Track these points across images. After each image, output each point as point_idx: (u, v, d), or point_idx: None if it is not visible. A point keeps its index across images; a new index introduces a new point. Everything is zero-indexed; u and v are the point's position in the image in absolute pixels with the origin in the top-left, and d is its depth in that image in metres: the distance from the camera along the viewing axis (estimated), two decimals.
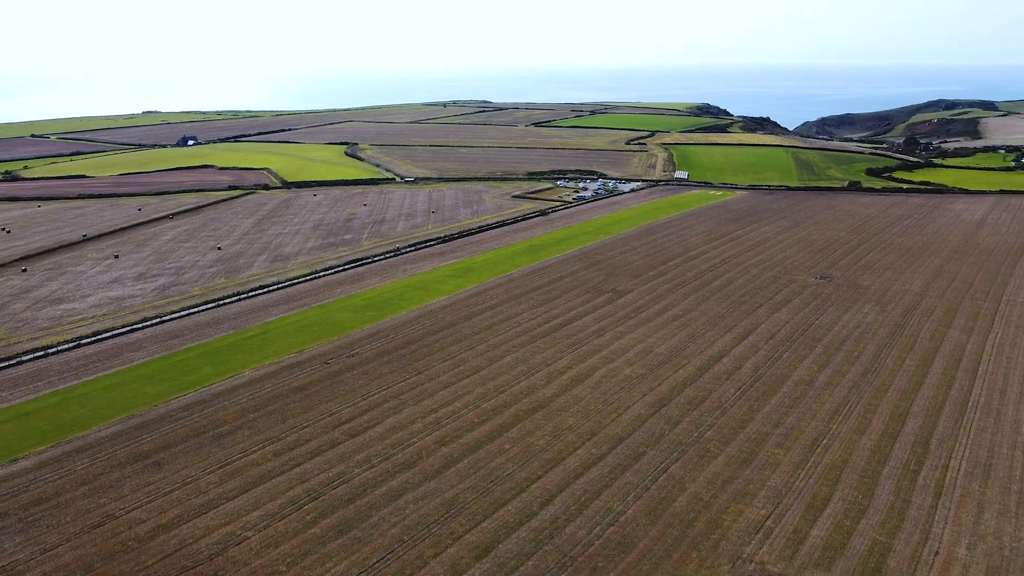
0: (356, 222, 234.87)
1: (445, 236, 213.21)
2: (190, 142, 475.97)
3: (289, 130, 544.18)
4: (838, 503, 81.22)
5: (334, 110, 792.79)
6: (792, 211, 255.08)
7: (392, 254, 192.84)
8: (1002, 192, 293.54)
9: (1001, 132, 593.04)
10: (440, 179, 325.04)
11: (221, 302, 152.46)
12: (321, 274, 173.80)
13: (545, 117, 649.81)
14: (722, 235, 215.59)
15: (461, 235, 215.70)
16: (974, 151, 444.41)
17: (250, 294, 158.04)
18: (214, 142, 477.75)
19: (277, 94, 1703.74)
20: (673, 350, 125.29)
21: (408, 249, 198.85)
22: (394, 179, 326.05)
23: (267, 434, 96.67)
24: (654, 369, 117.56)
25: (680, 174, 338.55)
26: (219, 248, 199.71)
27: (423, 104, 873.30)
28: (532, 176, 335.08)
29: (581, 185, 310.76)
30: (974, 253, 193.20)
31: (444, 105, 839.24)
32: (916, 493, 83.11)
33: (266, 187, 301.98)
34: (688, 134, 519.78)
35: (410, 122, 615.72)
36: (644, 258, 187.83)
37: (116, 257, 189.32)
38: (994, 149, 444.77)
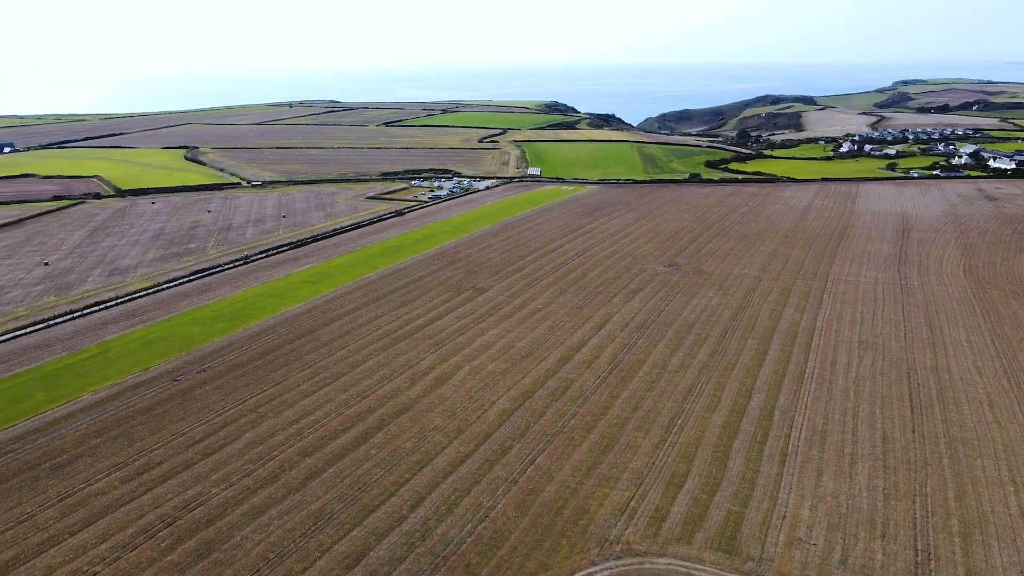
0: (201, 230, 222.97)
1: (298, 241, 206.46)
2: (6, 149, 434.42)
3: (121, 134, 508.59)
4: (695, 479, 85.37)
5: (171, 112, 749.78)
6: (639, 203, 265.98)
7: (241, 262, 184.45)
8: (824, 180, 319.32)
9: (820, 125, 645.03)
10: (290, 182, 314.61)
11: (52, 322, 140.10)
12: (165, 287, 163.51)
13: (396, 117, 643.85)
14: (576, 229, 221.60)
15: (315, 239, 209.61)
16: (798, 142, 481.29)
17: (85, 312, 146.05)
18: (35, 148, 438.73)
19: (120, 97, 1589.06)
20: (534, 343, 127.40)
21: (259, 256, 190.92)
22: (240, 183, 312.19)
23: (112, 460, 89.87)
24: (517, 363, 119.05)
25: (533, 170, 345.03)
26: (47, 264, 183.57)
27: (268, 105, 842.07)
28: (386, 176, 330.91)
29: (436, 184, 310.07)
30: (803, 237, 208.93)
31: (291, 106, 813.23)
32: (763, 463, 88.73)
33: (98, 196, 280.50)
34: (538, 131, 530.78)
35: (255, 124, 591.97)
36: (502, 254, 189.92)
37: None
38: (815, 140, 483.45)
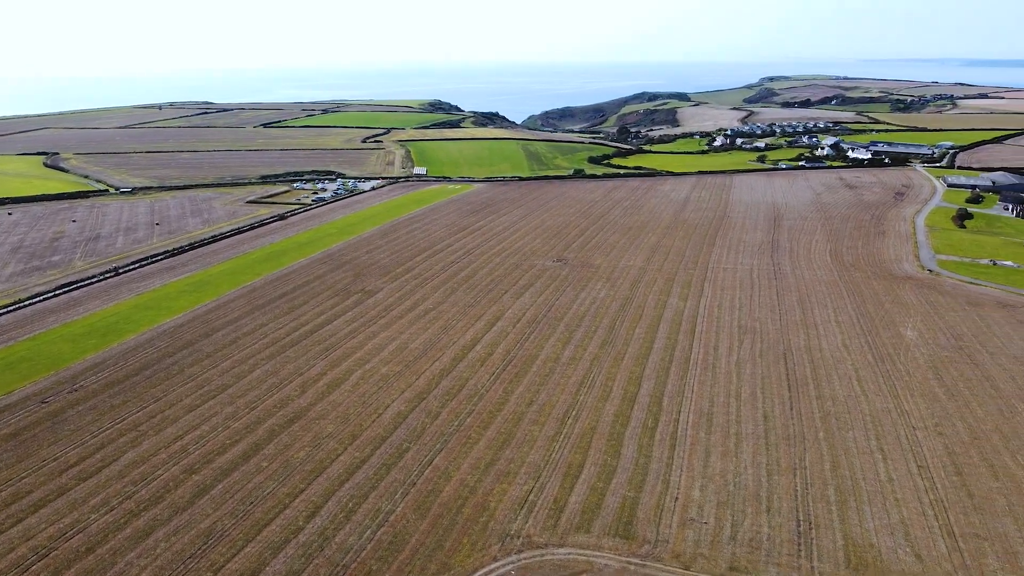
0: (65, 241, 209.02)
1: (174, 249, 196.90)
2: None
3: None
4: (591, 468, 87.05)
5: (26, 116, 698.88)
6: (526, 200, 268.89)
7: (112, 273, 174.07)
8: (700, 173, 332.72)
9: (695, 120, 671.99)
10: (162, 188, 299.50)
11: None
12: (27, 303, 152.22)
13: (275, 117, 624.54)
14: (464, 227, 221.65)
15: (192, 247, 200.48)
16: (675, 137, 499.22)
17: None
18: None
19: None
20: (427, 344, 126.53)
21: (132, 266, 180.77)
22: (108, 190, 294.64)
23: None
24: (410, 365, 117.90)
25: (419, 170, 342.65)
26: None
27: (135, 107, 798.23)
28: (266, 179, 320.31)
29: (320, 186, 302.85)
30: (683, 228, 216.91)
31: (160, 108, 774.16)
32: (655, 448, 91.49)
33: None
34: (423, 130, 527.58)
35: (121, 127, 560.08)
36: (390, 255, 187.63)
37: None
38: (691, 135, 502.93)
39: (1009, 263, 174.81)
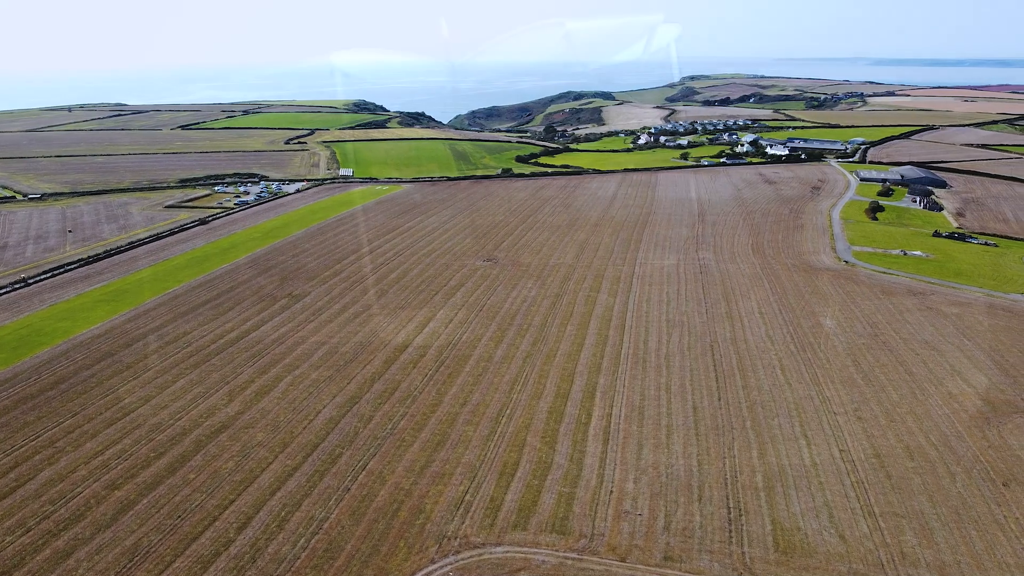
0: None
1: (89, 257, 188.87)
2: None
3: None
4: (526, 466, 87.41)
5: None
6: (455, 200, 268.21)
7: (21, 284, 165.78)
8: (626, 170, 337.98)
9: (620, 119, 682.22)
10: (74, 193, 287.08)
11: None
12: None
13: (193, 119, 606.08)
14: (393, 228, 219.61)
15: (108, 254, 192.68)
16: (601, 136, 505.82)
17: None
18: None
19: None
20: (358, 347, 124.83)
21: (43, 276, 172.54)
22: (15, 197, 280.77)
23: None
24: (341, 369, 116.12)
25: (345, 171, 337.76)
26: None
27: (42, 109, 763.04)
28: (186, 183, 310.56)
29: (242, 189, 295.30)
30: (611, 225, 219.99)
31: (70, 110, 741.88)
32: (589, 443, 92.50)
33: None
34: (348, 131, 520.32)
35: (27, 130, 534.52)
36: (318, 259, 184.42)
37: None
38: (616, 133, 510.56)
39: (918, 253, 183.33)
